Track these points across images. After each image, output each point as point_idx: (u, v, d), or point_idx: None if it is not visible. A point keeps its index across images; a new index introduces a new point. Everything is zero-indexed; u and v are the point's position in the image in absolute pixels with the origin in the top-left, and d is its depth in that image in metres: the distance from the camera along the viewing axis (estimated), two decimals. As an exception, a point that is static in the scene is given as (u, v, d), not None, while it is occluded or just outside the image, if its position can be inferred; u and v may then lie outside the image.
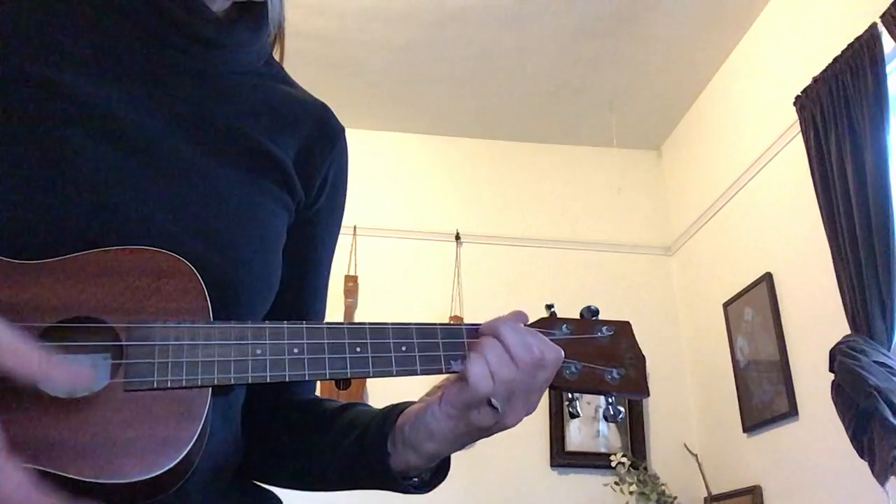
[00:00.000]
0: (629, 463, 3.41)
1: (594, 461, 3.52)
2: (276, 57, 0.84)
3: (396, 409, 0.71)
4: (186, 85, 0.71)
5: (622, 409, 0.72)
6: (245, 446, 0.77)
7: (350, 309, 3.68)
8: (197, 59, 0.72)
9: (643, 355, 0.72)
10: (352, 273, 3.76)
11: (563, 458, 3.54)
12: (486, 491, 3.34)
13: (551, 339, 0.69)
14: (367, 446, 0.69)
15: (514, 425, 0.66)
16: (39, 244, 0.57)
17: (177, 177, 0.65)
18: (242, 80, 0.76)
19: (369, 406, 0.78)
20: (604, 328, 0.73)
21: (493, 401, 0.63)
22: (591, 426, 3.62)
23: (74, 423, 0.52)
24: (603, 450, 3.55)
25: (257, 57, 0.79)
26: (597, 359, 0.71)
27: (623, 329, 0.73)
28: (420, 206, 4.07)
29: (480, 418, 0.64)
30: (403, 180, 4.10)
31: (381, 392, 3.42)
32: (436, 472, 0.72)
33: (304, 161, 0.77)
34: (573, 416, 0.73)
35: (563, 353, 0.66)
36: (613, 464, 3.41)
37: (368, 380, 3.39)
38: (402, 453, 0.68)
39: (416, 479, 0.70)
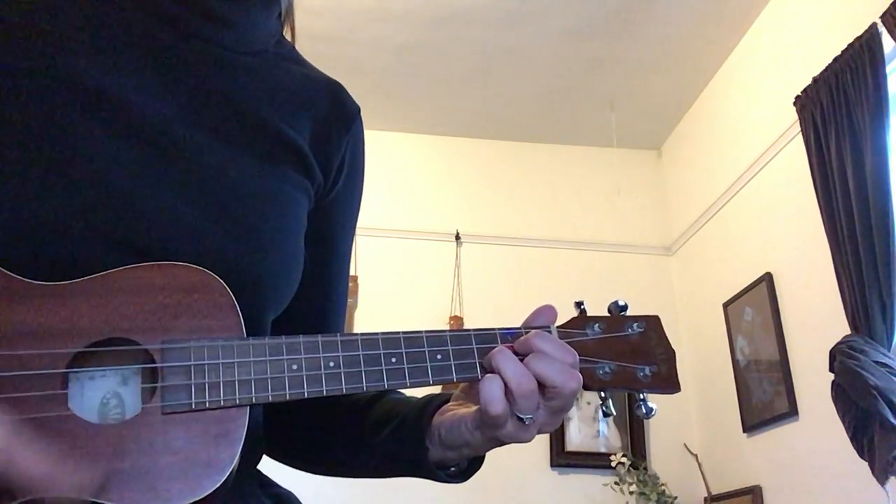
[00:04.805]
0: (629, 463, 3.41)
1: (594, 461, 3.52)
2: (287, 36, 0.82)
3: (433, 405, 0.70)
4: (199, 69, 0.69)
5: (654, 406, 0.70)
6: (278, 433, 0.77)
7: (350, 309, 3.68)
8: (209, 40, 0.70)
9: (673, 350, 0.71)
10: (352, 273, 3.76)
11: (563, 458, 3.54)
12: (486, 490, 3.34)
13: (584, 340, 0.68)
14: (404, 440, 0.69)
15: (550, 431, 0.65)
16: (59, 243, 0.56)
17: (193, 167, 0.64)
18: (254, 61, 0.73)
19: (403, 394, 0.77)
20: (634, 324, 0.71)
21: (520, 415, 0.61)
22: (591, 426, 3.62)
23: (114, 448, 0.51)
24: (603, 450, 3.55)
25: (269, 36, 0.76)
26: (629, 357, 0.70)
27: (653, 324, 0.72)
28: (420, 206, 4.07)
29: (509, 432, 0.62)
30: (403, 180, 4.10)
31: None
32: (473, 460, 0.71)
33: (320, 143, 0.75)
34: (606, 414, 0.71)
35: (581, 380, 0.63)
36: (613, 464, 3.41)
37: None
38: (439, 451, 0.68)
39: (453, 469, 0.70)
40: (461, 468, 0.71)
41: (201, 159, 0.65)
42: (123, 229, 0.58)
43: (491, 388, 0.61)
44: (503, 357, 0.62)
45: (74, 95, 0.61)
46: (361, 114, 0.82)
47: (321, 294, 0.79)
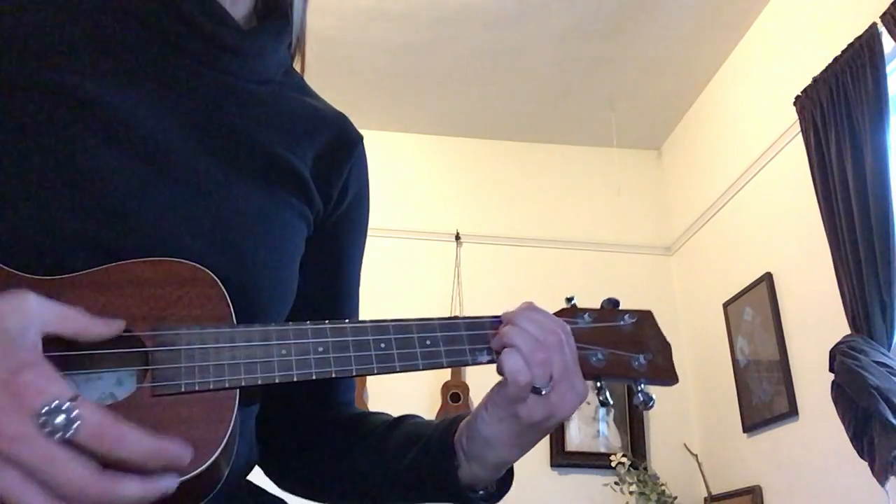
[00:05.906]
0: (629, 463, 3.40)
1: (594, 461, 3.52)
2: (297, 68, 0.83)
3: (453, 421, 0.70)
4: (205, 94, 0.69)
5: (653, 395, 0.69)
6: (296, 463, 0.77)
7: (350, 309, 3.67)
8: (217, 67, 0.71)
9: (668, 343, 0.71)
10: (352, 273, 3.76)
11: (563, 458, 3.54)
12: (486, 491, 3.34)
13: (576, 327, 0.69)
14: (432, 460, 0.69)
15: (568, 414, 0.65)
16: (57, 255, 0.57)
17: (193, 187, 0.64)
18: (261, 89, 0.74)
19: (421, 418, 0.77)
20: (626, 316, 0.72)
21: (536, 385, 0.63)
22: (591, 426, 3.62)
23: None
24: (603, 450, 3.55)
25: (277, 66, 0.77)
26: (622, 345, 0.70)
27: (645, 318, 0.73)
28: (420, 206, 4.07)
29: (529, 411, 0.64)
30: (403, 180, 4.10)
31: (380, 392, 3.42)
32: (501, 483, 0.71)
33: (322, 171, 0.76)
34: (604, 404, 0.71)
35: (568, 329, 0.66)
36: (613, 464, 3.41)
37: (368, 379, 3.39)
38: (466, 466, 0.68)
39: (482, 492, 0.70)
40: (490, 491, 0.71)
41: (200, 180, 0.65)
42: (119, 243, 0.59)
43: (515, 360, 0.63)
44: (516, 331, 0.64)
45: (82, 113, 0.62)
46: (360, 115, 0.83)
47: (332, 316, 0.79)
